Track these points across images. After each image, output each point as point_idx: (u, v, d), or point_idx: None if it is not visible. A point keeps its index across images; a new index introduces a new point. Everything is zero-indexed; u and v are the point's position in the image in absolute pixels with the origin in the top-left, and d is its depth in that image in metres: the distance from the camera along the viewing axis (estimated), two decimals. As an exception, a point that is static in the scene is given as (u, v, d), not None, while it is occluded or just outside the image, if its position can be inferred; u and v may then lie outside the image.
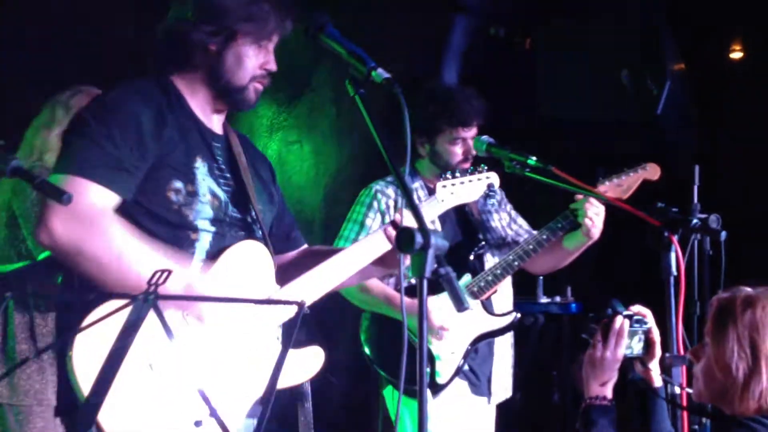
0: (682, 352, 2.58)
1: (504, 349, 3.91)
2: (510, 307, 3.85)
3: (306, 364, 2.61)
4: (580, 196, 3.60)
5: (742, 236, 3.54)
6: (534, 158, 3.43)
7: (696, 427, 2.81)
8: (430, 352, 3.68)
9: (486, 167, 3.23)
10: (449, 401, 3.69)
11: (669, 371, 2.55)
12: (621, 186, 3.61)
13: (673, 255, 2.63)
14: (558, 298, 5.42)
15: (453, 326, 3.63)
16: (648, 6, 5.51)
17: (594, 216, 3.57)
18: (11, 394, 3.41)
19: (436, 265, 1.95)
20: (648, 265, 3.12)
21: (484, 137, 3.65)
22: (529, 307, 5.29)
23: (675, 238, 2.64)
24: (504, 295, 3.88)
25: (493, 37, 6.06)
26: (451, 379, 3.66)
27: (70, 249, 2.25)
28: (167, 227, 2.39)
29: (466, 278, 3.71)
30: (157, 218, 2.38)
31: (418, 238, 1.93)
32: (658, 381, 2.45)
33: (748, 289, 2.31)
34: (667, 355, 2.59)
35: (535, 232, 3.80)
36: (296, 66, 5.71)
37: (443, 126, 3.73)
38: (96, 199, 2.29)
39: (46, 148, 3.57)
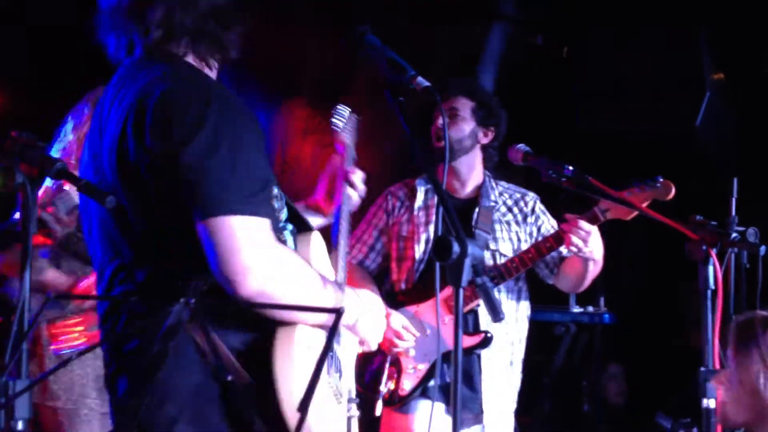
0: (718, 366, 2.56)
1: (496, 368, 3.74)
2: (484, 326, 3.65)
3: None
4: (569, 217, 3.44)
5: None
6: (571, 168, 3.40)
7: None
8: (399, 363, 3.70)
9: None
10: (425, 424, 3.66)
11: (704, 386, 2.54)
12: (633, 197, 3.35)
13: (711, 269, 2.61)
14: (591, 308, 5.40)
15: (419, 341, 3.63)
16: (688, 16, 5.47)
17: (578, 242, 3.43)
18: (52, 395, 3.43)
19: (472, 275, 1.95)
20: (684, 278, 3.09)
21: (521, 146, 3.61)
22: (561, 316, 5.27)
23: (714, 252, 2.62)
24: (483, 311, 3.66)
25: (531, 45, 6.05)
26: (413, 393, 3.65)
27: (276, 294, 2.04)
28: None
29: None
30: None
31: (456, 247, 1.92)
32: None
33: (764, 312, 2.39)
34: (703, 369, 2.57)
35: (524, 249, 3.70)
36: (331, 70, 5.72)
37: None
38: (272, 234, 2.09)
39: None
